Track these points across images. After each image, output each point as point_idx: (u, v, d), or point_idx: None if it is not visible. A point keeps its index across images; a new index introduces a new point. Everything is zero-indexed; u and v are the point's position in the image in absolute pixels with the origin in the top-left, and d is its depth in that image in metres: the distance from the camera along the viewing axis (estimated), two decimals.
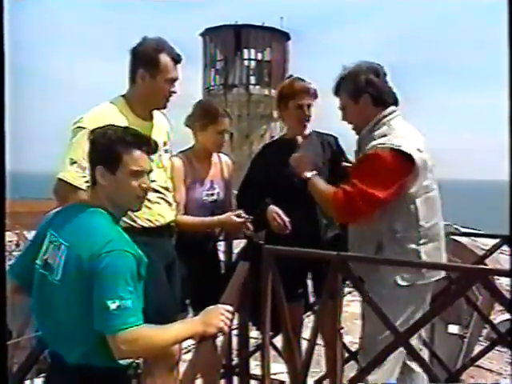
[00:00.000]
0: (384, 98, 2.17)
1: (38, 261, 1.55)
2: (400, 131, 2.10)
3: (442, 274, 2.21)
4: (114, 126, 1.66)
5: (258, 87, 23.05)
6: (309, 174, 2.20)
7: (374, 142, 2.08)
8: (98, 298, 1.41)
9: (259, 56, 23.45)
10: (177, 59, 2.21)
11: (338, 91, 2.28)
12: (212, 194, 2.62)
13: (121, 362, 1.49)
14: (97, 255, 1.42)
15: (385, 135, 2.09)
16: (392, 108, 2.19)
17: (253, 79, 23.25)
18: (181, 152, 2.64)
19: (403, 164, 2.01)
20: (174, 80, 2.22)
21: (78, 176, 2.02)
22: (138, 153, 1.56)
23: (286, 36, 23.99)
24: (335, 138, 2.70)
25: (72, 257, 1.47)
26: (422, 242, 2.09)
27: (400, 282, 2.06)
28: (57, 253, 1.51)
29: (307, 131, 2.62)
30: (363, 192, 1.99)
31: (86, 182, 2.02)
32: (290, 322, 2.26)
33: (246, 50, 23.24)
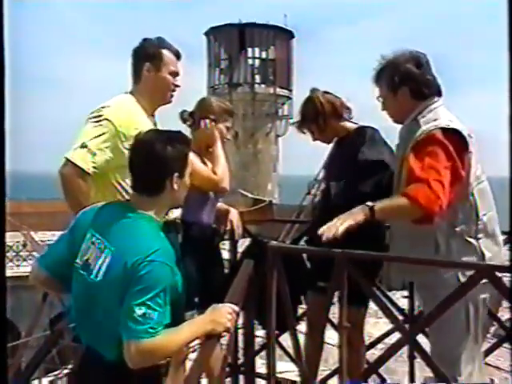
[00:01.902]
0: (423, 91, 2.07)
1: (78, 260, 1.55)
2: (448, 117, 2.03)
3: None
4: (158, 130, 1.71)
5: (262, 86, 23.05)
6: (371, 204, 1.91)
7: (423, 128, 1.98)
8: (127, 302, 1.42)
9: (263, 54, 23.45)
10: (177, 55, 2.35)
11: (377, 81, 2.20)
12: None
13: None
14: (139, 262, 1.43)
15: (434, 119, 2.01)
16: (435, 98, 2.09)
17: (257, 78, 23.25)
18: None
19: (458, 143, 1.94)
20: (176, 74, 2.34)
21: (87, 160, 2.05)
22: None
23: (290, 34, 23.96)
24: (375, 131, 2.58)
25: (117, 262, 1.47)
26: (480, 236, 1.99)
27: (462, 278, 1.91)
28: (99, 255, 1.51)
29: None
30: (435, 180, 1.85)
31: (94, 167, 2.05)
32: (310, 315, 2.26)
33: (250, 49, 23.23)
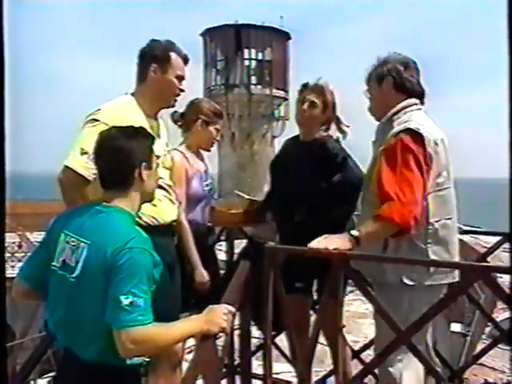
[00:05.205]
0: (407, 86, 2.17)
1: (55, 262, 1.56)
2: (420, 121, 2.09)
3: (455, 277, 2.07)
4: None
5: (259, 87, 23.04)
6: (356, 234, 1.99)
7: (394, 130, 2.07)
8: (112, 292, 1.42)
9: (260, 56, 23.44)
10: (185, 59, 2.33)
11: (368, 80, 2.30)
12: (207, 185, 2.75)
13: (134, 359, 1.51)
14: (118, 250, 1.44)
15: (406, 121, 2.08)
16: (414, 100, 2.18)
17: (254, 79, 23.24)
18: (175, 149, 2.71)
19: (421, 146, 2.00)
20: (182, 78, 2.32)
21: (88, 167, 2.04)
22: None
23: (286, 35, 23.98)
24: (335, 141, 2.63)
25: (95, 254, 1.48)
26: (429, 241, 2.04)
27: (406, 281, 2.02)
28: (75, 252, 1.51)
29: (318, 135, 2.63)
30: (409, 203, 1.92)
31: (94, 173, 2.04)
32: (292, 316, 2.25)
33: (246, 50, 23.22)
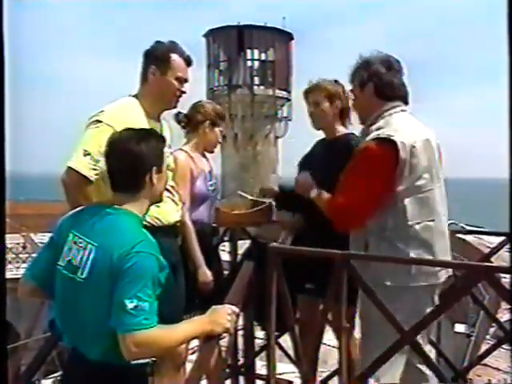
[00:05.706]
0: (386, 92, 2.15)
1: (60, 262, 1.56)
2: (396, 125, 2.07)
3: (440, 278, 2.08)
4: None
5: (261, 87, 23.05)
6: (312, 194, 2.24)
7: (368, 137, 2.07)
8: (117, 295, 1.42)
9: (262, 56, 23.44)
10: (188, 61, 2.32)
11: (352, 79, 2.28)
12: (211, 185, 2.76)
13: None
14: (125, 254, 1.44)
15: (379, 128, 2.07)
16: (396, 103, 2.16)
17: (256, 79, 23.25)
18: (180, 149, 2.73)
19: (391, 154, 1.99)
20: (184, 80, 2.31)
21: (90, 167, 2.05)
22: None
23: (288, 36, 23.99)
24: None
25: (102, 257, 1.48)
26: (410, 243, 2.03)
27: (388, 283, 2.02)
28: (82, 253, 1.52)
29: (340, 133, 2.63)
30: (349, 206, 2.04)
31: (96, 174, 2.05)
32: (300, 317, 2.26)
33: (249, 51, 23.23)
